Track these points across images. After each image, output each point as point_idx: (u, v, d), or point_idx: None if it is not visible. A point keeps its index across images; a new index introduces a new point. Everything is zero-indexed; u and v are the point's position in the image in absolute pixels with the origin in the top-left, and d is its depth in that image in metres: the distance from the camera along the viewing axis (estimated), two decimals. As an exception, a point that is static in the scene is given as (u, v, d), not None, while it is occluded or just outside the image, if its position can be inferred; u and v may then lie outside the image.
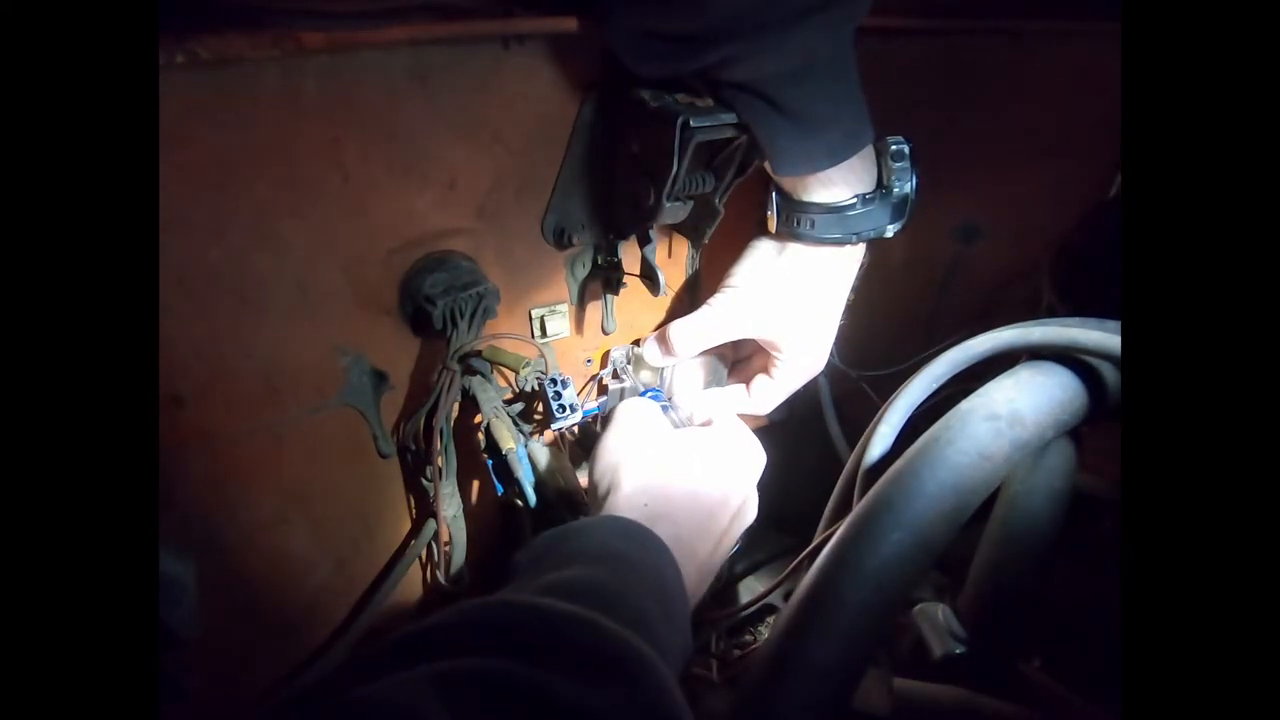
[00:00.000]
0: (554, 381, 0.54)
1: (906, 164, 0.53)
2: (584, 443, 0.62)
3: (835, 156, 0.49)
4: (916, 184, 0.54)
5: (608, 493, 0.47)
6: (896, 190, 0.53)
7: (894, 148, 0.53)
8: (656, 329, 0.60)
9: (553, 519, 0.61)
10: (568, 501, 0.59)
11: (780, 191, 0.54)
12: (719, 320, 0.57)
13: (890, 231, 0.55)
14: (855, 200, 0.52)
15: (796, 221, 0.54)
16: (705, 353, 0.61)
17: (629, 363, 0.64)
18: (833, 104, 0.47)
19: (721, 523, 0.47)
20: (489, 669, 0.25)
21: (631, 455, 0.48)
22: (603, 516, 0.43)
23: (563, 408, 0.55)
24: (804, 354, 0.59)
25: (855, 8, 0.43)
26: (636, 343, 0.69)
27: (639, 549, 0.40)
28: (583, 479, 0.56)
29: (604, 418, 0.54)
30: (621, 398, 0.58)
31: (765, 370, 0.61)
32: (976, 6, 0.66)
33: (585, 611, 0.29)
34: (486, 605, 0.29)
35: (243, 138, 0.43)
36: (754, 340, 0.59)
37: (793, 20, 0.41)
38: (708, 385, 0.62)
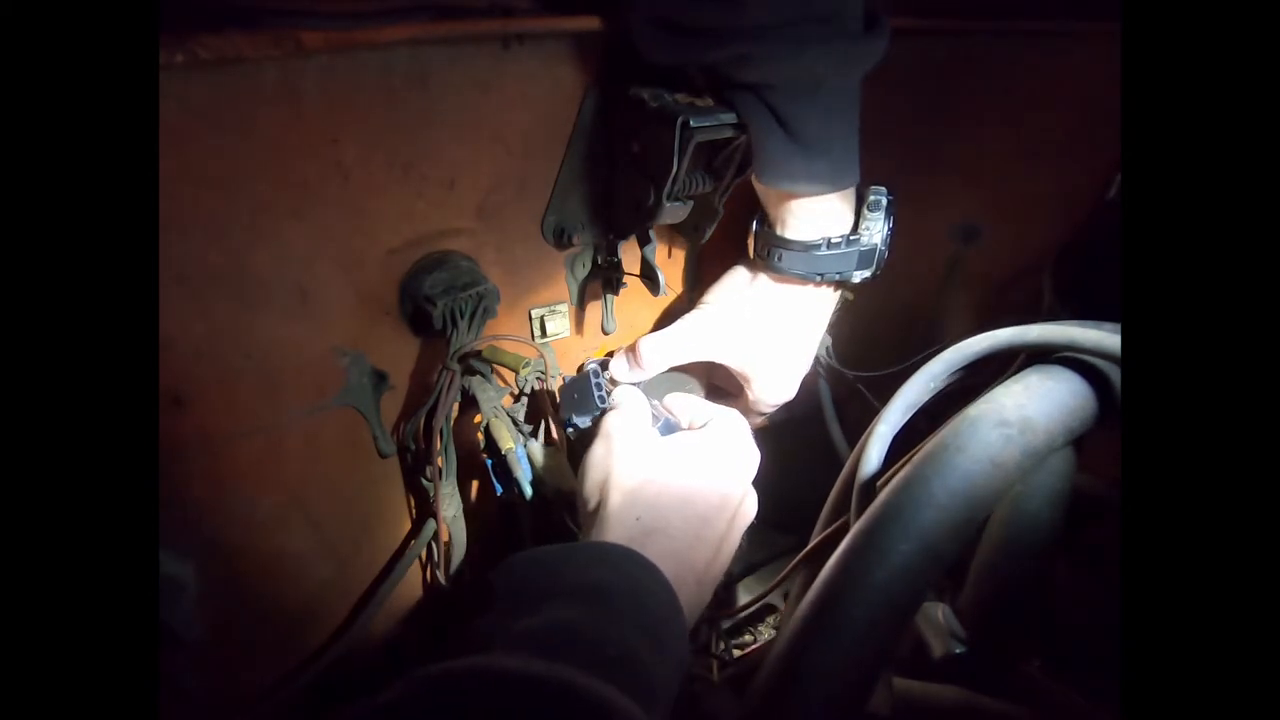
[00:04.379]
0: (595, 373, 0.54)
1: (881, 215, 0.54)
2: (582, 441, 0.62)
3: (816, 182, 0.50)
4: (890, 235, 0.55)
5: (598, 508, 0.45)
6: (865, 239, 0.54)
7: (873, 198, 0.54)
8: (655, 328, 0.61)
9: (551, 519, 0.61)
10: (566, 501, 0.59)
11: (763, 220, 0.56)
12: (687, 339, 0.58)
13: (857, 278, 0.56)
14: (821, 242, 0.53)
15: (768, 252, 0.55)
16: (679, 370, 0.62)
17: (603, 370, 0.64)
18: (827, 132, 0.48)
19: (719, 527, 0.45)
20: None
21: (619, 468, 0.45)
22: (585, 543, 0.41)
23: (603, 398, 0.53)
24: (767, 386, 0.60)
25: (868, 51, 0.45)
26: (611, 354, 0.70)
27: (622, 577, 0.37)
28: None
29: (589, 431, 0.52)
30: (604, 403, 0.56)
31: (737, 393, 0.63)
32: (977, 6, 0.66)
33: (555, 670, 0.28)
34: (450, 676, 0.28)
35: (243, 138, 0.43)
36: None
37: (813, 41, 0.43)
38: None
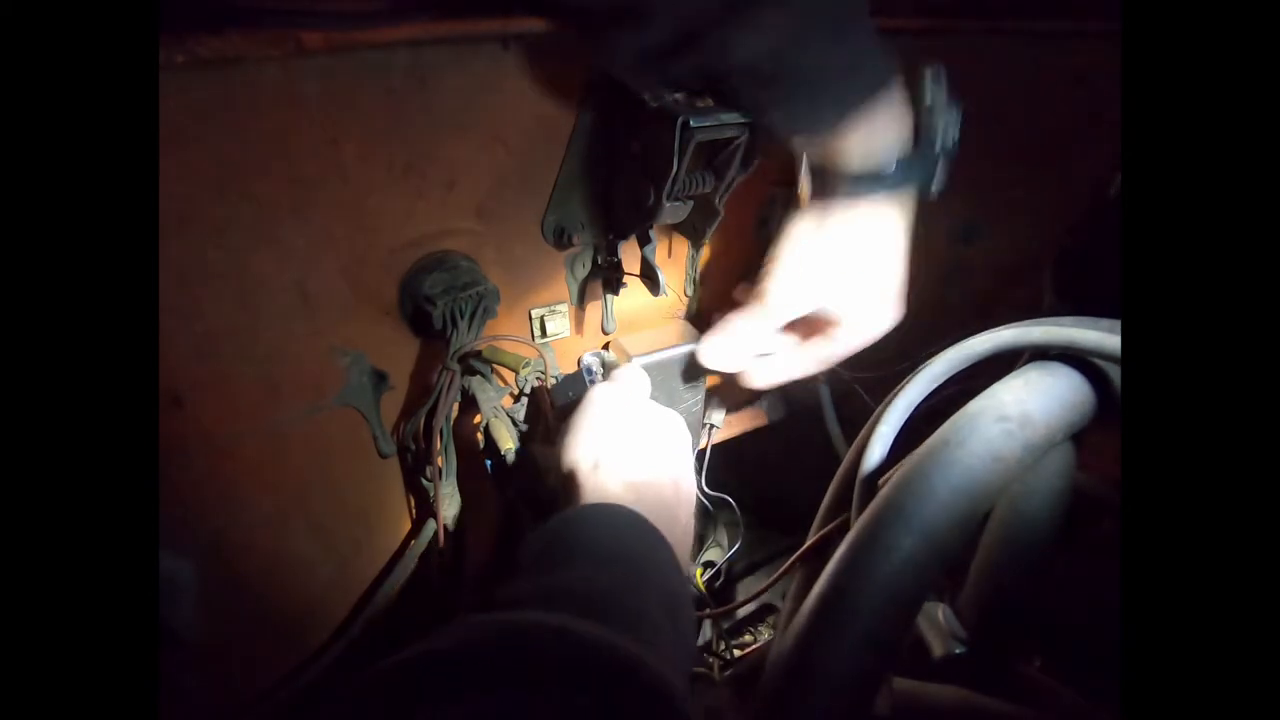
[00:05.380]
0: (589, 370, 0.55)
1: (943, 105, 0.48)
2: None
3: (843, 109, 0.45)
4: (958, 133, 0.49)
5: (593, 469, 0.46)
6: (936, 141, 0.48)
7: (930, 85, 0.47)
8: (718, 325, 0.56)
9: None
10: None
11: (811, 167, 0.51)
12: (777, 312, 0.54)
13: (935, 187, 0.51)
14: (887, 162, 0.48)
15: (831, 189, 0.50)
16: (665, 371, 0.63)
17: (602, 367, 0.65)
18: (838, 58, 0.43)
19: (688, 488, 0.49)
20: (539, 707, 0.25)
21: (610, 432, 0.48)
22: (600, 505, 0.43)
23: None
24: (867, 316, 0.55)
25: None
26: (606, 347, 0.70)
27: (645, 547, 0.40)
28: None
29: (572, 404, 0.54)
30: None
31: (821, 332, 0.57)
32: (976, 6, 0.66)
33: (608, 635, 0.29)
34: (514, 627, 0.28)
35: (242, 138, 0.43)
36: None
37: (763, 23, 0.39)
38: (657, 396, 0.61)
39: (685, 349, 0.68)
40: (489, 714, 0.24)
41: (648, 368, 0.59)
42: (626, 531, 0.40)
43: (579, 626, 0.28)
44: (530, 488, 0.58)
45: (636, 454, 0.47)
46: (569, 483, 0.47)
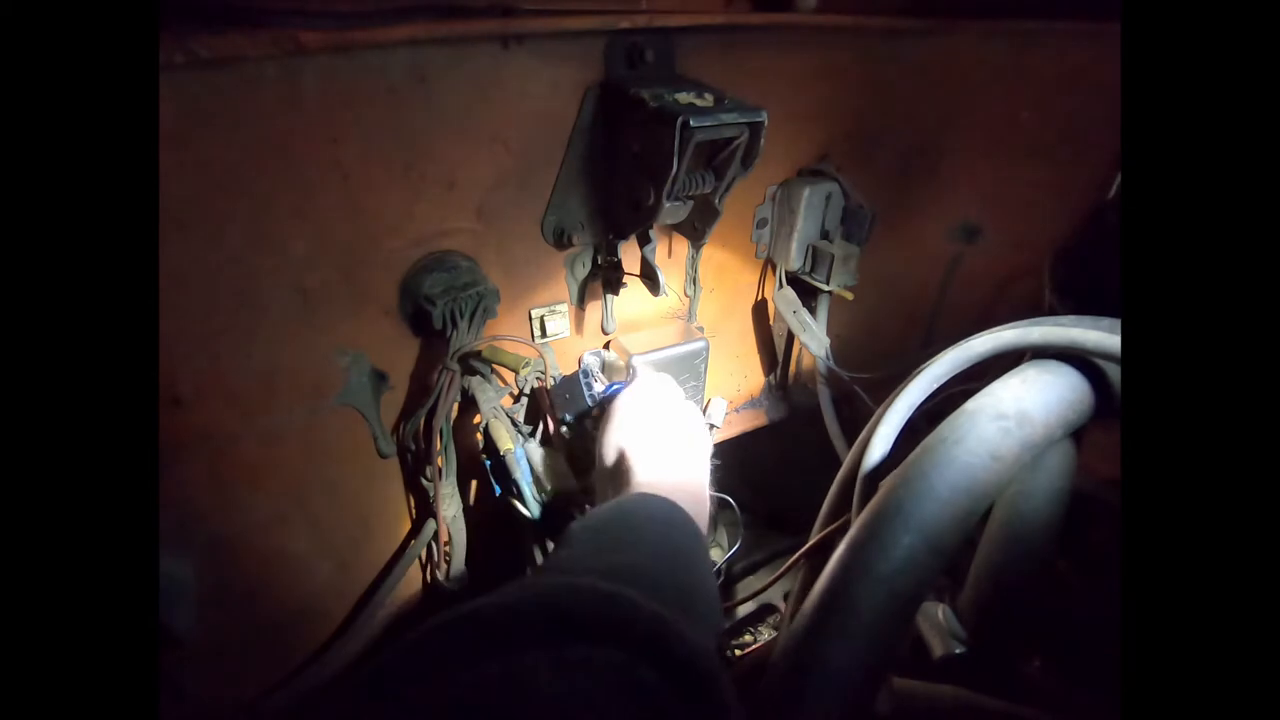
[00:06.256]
0: (586, 372, 0.57)
1: None
2: (579, 443, 0.62)
3: None
4: None
5: (637, 459, 0.48)
6: None
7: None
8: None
9: (553, 525, 0.61)
10: (564, 501, 0.59)
11: None
12: None
13: None
14: None
15: None
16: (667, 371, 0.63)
17: (602, 367, 0.65)
18: None
19: (681, 438, 0.51)
20: (640, 675, 0.26)
21: (655, 428, 0.51)
22: (655, 498, 0.44)
23: (593, 398, 0.57)
24: None
25: None
26: (606, 347, 0.70)
27: (691, 542, 0.42)
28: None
29: (585, 431, 0.56)
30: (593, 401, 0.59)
31: None
32: (976, 6, 0.66)
33: (669, 612, 0.29)
34: (611, 597, 0.29)
35: (242, 138, 0.43)
36: None
37: None
38: None
39: (685, 348, 0.68)
40: (543, 668, 0.25)
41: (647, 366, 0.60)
42: (676, 528, 0.42)
43: (644, 601, 0.29)
44: (582, 450, 0.60)
45: (681, 454, 0.50)
46: (620, 467, 0.49)
